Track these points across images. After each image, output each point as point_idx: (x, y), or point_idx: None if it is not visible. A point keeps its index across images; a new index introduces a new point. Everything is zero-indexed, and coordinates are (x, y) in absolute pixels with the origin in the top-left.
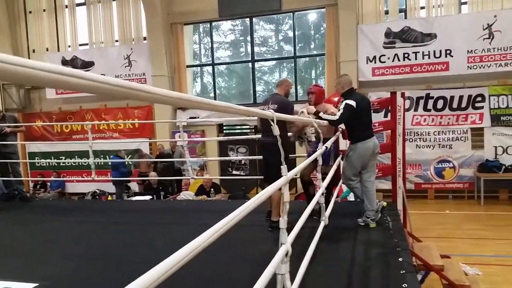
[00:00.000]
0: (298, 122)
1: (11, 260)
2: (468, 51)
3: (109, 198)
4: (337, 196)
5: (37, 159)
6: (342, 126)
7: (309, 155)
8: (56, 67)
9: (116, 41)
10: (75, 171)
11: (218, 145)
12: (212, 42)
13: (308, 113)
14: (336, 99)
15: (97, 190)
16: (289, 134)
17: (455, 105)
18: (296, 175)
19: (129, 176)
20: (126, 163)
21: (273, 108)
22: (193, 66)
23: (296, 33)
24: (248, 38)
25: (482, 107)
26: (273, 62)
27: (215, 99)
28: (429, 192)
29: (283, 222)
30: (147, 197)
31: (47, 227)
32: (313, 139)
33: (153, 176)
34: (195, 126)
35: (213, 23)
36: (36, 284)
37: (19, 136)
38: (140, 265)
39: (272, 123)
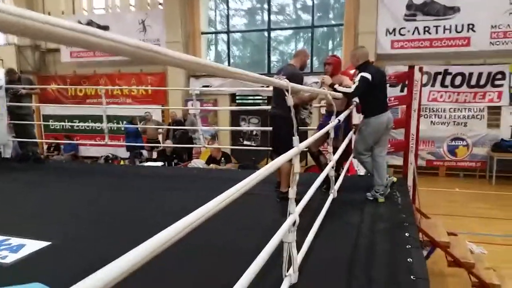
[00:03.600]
0: (302, 95)
1: (25, 220)
2: (492, 26)
3: (122, 162)
4: (348, 172)
5: (51, 122)
6: (356, 99)
7: (319, 128)
8: (77, 26)
9: (132, 5)
10: (88, 135)
11: (230, 115)
12: (228, 9)
13: (323, 83)
14: (352, 71)
15: (110, 155)
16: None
17: (473, 82)
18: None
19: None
20: (139, 129)
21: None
22: (208, 33)
23: (315, 1)
24: (265, 6)
25: (501, 85)
26: (290, 32)
27: None
28: (440, 170)
29: (292, 192)
30: (159, 163)
31: (60, 189)
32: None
33: (168, 144)
34: (207, 95)
35: None
36: (49, 243)
37: (34, 98)
38: (149, 228)
39: (286, 93)
